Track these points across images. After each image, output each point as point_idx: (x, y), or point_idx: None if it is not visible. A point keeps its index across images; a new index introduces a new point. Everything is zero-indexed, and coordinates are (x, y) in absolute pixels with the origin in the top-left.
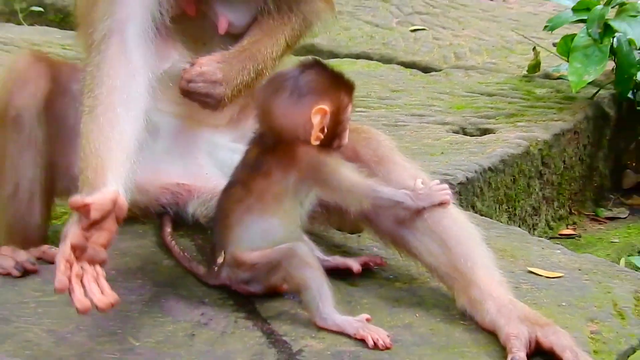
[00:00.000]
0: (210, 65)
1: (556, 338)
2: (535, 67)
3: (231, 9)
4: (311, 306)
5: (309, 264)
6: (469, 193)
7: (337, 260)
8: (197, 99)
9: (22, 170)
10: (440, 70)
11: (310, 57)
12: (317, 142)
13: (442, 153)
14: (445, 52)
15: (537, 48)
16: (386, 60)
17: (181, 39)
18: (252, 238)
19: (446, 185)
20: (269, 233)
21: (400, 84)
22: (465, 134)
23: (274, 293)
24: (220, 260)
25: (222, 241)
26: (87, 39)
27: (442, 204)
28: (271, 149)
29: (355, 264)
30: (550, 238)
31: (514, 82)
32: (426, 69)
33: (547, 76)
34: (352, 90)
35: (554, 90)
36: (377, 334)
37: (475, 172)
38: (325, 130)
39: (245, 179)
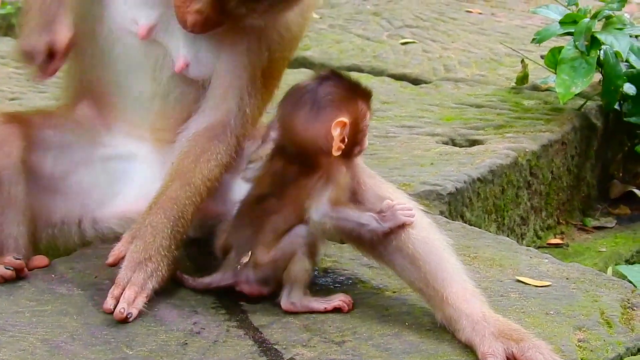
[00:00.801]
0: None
1: (533, 353)
2: (523, 79)
3: (193, 48)
4: (284, 290)
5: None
6: (458, 203)
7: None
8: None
9: (6, 229)
10: (430, 82)
11: (327, 69)
12: (339, 153)
13: (432, 164)
14: (435, 65)
15: (525, 60)
16: (377, 73)
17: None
18: (282, 242)
19: (410, 206)
20: (297, 236)
21: (390, 96)
22: (454, 145)
23: (268, 299)
24: (245, 260)
25: (248, 246)
26: None
27: (404, 225)
28: (296, 160)
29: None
30: (539, 247)
31: (503, 94)
32: (416, 81)
33: (535, 88)
34: (370, 99)
35: (542, 102)
36: (341, 298)
37: (465, 182)
38: (346, 140)
39: (278, 190)
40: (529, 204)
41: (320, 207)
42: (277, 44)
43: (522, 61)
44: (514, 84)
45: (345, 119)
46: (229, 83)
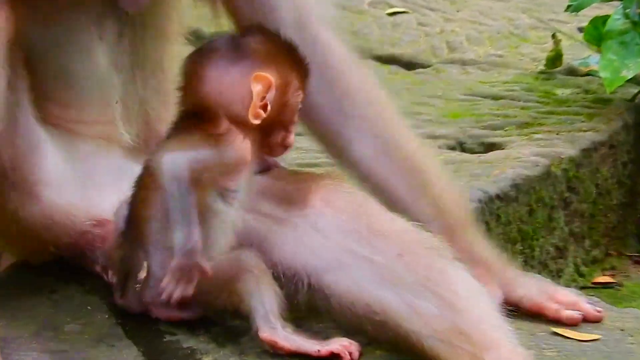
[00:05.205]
0: None
1: None
2: (555, 60)
3: None
4: (258, 316)
5: (262, 277)
6: None
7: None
8: None
9: None
10: (428, 66)
11: (256, 23)
12: (257, 121)
13: None
14: (434, 42)
15: (558, 35)
16: (358, 54)
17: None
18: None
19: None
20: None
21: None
22: (464, 150)
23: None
24: (142, 275)
25: (141, 247)
26: None
27: None
28: (194, 125)
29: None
30: (582, 288)
31: (528, 81)
32: (410, 65)
33: (572, 72)
34: (306, 72)
35: (581, 91)
36: (342, 343)
37: (479, 201)
38: (268, 108)
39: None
40: (566, 229)
41: (176, 151)
42: None
43: (554, 36)
44: (542, 67)
45: (271, 76)
46: None
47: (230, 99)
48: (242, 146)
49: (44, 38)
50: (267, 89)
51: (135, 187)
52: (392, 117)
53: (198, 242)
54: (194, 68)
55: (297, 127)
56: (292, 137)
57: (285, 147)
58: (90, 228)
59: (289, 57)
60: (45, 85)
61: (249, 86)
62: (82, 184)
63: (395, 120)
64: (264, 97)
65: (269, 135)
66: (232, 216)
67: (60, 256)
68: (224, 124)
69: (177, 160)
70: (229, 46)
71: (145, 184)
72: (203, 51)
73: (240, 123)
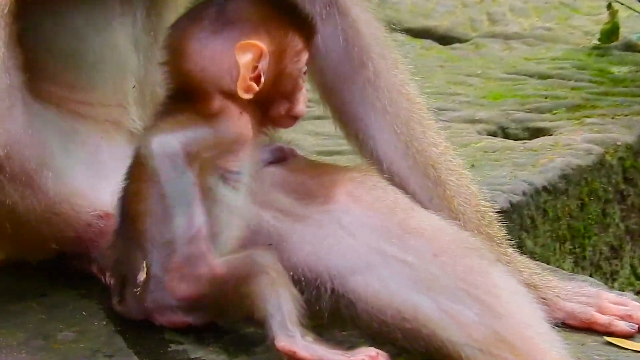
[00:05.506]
0: None
1: None
2: (611, 33)
3: None
4: (274, 323)
5: (279, 279)
6: (515, 226)
7: None
8: None
9: None
10: (466, 40)
11: None
12: (249, 96)
13: (473, 165)
14: (473, 14)
15: (614, 4)
16: (386, 27)
17: None
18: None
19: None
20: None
21: (406, 63)
22: (506, 136)
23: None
24: (142, 277)
25: (138, 245)
26: None
27: None
28: (184, 106)
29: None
30: (638, 293)
31: (580, 57)
32: (445, 40)
33: (630, 47)
34: (309, 32)
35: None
36: (369, 353)
37: (524, 194)
38: (262, 79)
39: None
40: (622, 225)
41: (166, 132)
42: None
43: (609, 6)
44: (596, 42)
45: (260, 42)
46: None
47: (216, 74)
48: (239, 122)
49: (50, 12)
50: (258, 58)
51: (125, 180)
52: (418, 113)
53: (203, 227)
54: (175, 41)
55: (305, 94)
56: (299, 107)
57: (293, 118)
58: (95, 220)
59: (285, 18)
60: (48, 64)
61: (235, 57)
62: (87, 171)
63: (421, 117)
64: (255, 67)
65: (271, 108)
66: (239, 203)
67: (57, 254)
68: (217, 100)
69: (168, 141)
70: (212, 13)
71: (137, 175)
72: (184, 20)
73: (234, 98)
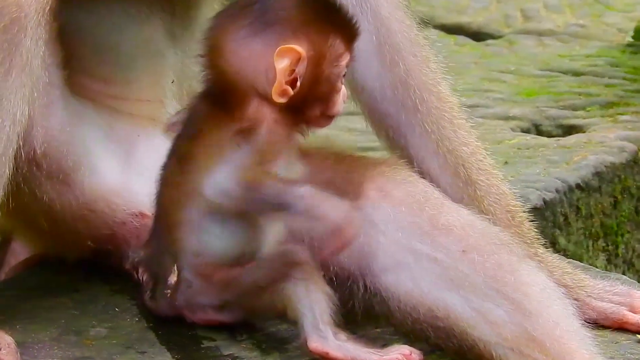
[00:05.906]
0: None
1: None
2: None
3: None
4: (306, 324)
5: (312, 277)
6: (548, 223)
7: None
8: None
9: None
10: (500, 37)
11: None
12: (282, 99)
13: (507, 162)
14: (507, 10)
15: None
16: (418, 23)
17: None
18: (210, 240)
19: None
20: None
21: (439, 59)
22: (539, 133)
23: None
24: (172, 279)
25: (170, 250)
26: None
27: None
28: (219, 104)
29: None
30: None
31: (614, 54)
32: (479, 35)
33: None
34: (352, 35)
35: None
36: (402, 351)
37: (557, 191)
38: (298, 83)
39: (184, 151)
40: None
41: (220, 176)
42: None
43: None
44: (630, 39)
45: (299, 47)
46: None
47: (252, 75)
48: (275, 129)
49: (87, 6)
50: (296, 62)
51: (162, 184)
52: (449, 112)
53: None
54: (213, 38)
55: (343, 95)
56: (336, 107)
57: (329, 117)
58: (130, 218)
59: (328, 20)
60: (84, 57)
61: (273, 61)
62: (122, 168)
63: (452, 116)
64: (292, 71)
65: (306, 108)
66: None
67: (92, 251)
68: (252, 105)
69: (222, 184)
70: (253, 11)
71: (177, 182)
72: (224, 17)
73: (269, 100)
